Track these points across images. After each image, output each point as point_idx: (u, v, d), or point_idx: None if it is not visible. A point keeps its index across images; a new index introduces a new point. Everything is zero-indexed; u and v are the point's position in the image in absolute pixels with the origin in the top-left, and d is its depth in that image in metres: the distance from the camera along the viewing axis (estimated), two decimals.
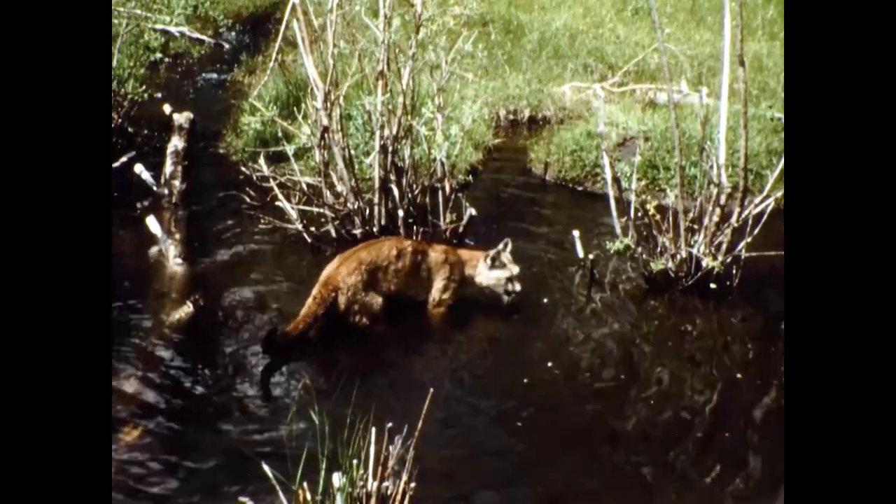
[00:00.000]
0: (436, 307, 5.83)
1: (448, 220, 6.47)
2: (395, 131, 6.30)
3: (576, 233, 6.42)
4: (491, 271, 5.80)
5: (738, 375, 5.30)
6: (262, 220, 6.54)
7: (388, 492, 3.66)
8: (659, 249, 6.06)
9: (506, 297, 5.85)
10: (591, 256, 6.25)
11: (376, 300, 5.60)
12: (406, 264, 5.71)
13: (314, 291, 5.52)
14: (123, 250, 6.28)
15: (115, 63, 7.67)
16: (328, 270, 5.62)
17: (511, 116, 9.02)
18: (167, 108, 7.98)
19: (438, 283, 5.82)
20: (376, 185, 6.38)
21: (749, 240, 5.93)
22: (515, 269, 5.80)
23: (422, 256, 5.79)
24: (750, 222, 5.93)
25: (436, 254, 5.83)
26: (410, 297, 5.80)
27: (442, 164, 6.50)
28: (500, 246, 5.81)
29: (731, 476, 4.54)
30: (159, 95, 8.64)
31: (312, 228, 6.52)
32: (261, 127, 7.24)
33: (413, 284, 5.77)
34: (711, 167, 5.95)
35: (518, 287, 5.81)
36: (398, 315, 5.78)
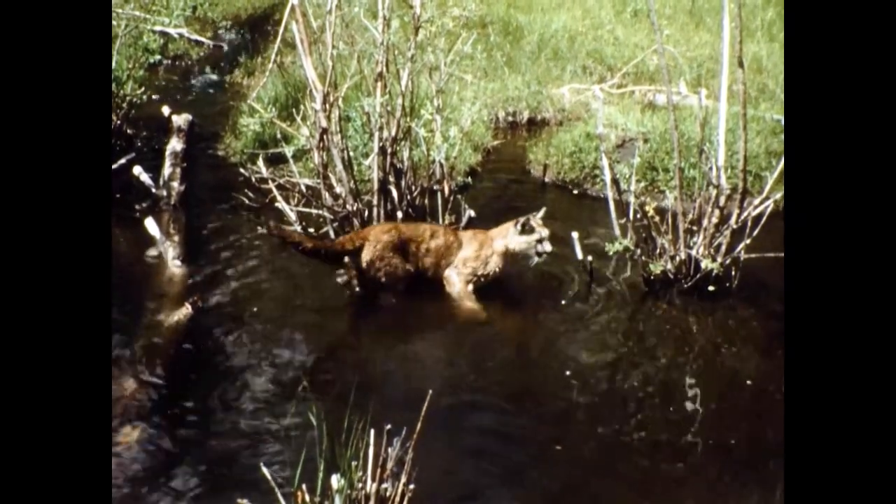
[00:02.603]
0: (453, 278, 5.98)
1: (447, 221, 6.47)
2: (393, 133, 6.30)
3: (575, 234, 6.41)
4: (521, 236, 5.91)
5: (749, 382, 5.28)
6: (261, 222, 6.54)
7: (387, 493, 3.66)
8: (658, 251, 6.06)
9: (536, 259, 5.98)
10: (590, 258, 6.25)
11: (402, 265, 5.83)
12: (439, 245, 5.93)
13: (347, 237, 5.93)
14: (122, 251, 6.28)
15: (114, 65, 7.67)
16: (365, 229, 6.01)
17: (510, 118, 9.02)
18: (166, 110, 7.99)
19: (465, 252, 5.98)
20: (375, 186, 6.38)
21: (748, 241, 5.93)
22: (545, 232, 5.92)
23: (454, 237, 6.02)
24: (749, 224, 5.93)
25: (467, 233, 6.12)
26: (438, 278, 6.00)
27: (441, 165, 6.50)
28: (532, 214, 5.97)
29: (733, 478, 4.54)
30: (158, 97, 8.64)
31: (311, 230, 6.51)
32: (259, 128, 7.24)
33: (444, 266, 5.98)
34: (710, 169, 5.95)
35: (549, 248, 5.92)
36: (399, 317, 5.79)
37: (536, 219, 5.95)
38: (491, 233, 6.05)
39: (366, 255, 5.78)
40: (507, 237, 5.95)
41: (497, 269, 5.99)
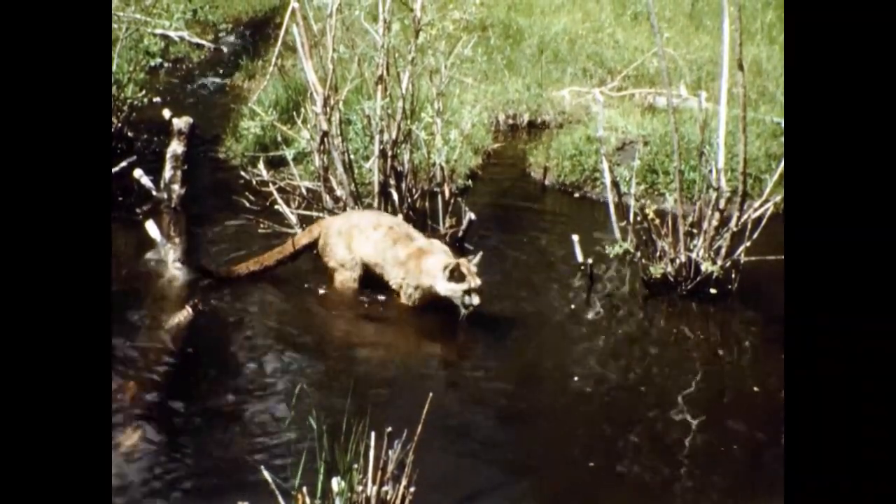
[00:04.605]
0: (402, 301, 5.87)
1: (448, 224, 6.47)
2: (394, 136, 6.30)
3: (575, 237, 6.41)
4: (449, 283, 5.52)
5: (749, 384, 5.28)
6: (262, 225, 6.54)
7: (388, 496, 3.66)
8: (658, 254, 6.06)
9: (463, 310, 5.52)
10: (590, 261, 6.25)
11: (346, 252, 5.89)
12: (377, 239, 5.83)
13: (305, 231, 6.15)
14: (123, 254, 6.28)
15: (114, 68, 7.67)
16: (326, 218, 6.22)
17: (510, 121, 9.02)
18: (167, 113, 7.99)
19: (395, 280, 5.83)
20: (376, 189, 6.39)
21: (748, 244, 5.93)
22: (476, 282, 5.48)
23: (395, 242, 5.79)
24: (749, 226, 5.93)
25: (404, 250, 5.75)
26: (378, 276, 5.91)
27: (441, 168, 6.50)
28: (470, 258, 5.61)
29: (734, 481, 4.53)
30: (159, 100, 8.64)
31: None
32: (260, 131, 7.22)
33: (378, 265, 5.86)
34: (710, 171, 5.95)
35: (477, 301, 5.47)
36: (399, 319, 5.79)
37: (470, 266, 5.52)
38: (425, 262, 5.65)
39: (321, 241, 5.99)
40: (436, 279, 5.57)
41: (415, 301, 5.78)
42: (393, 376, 5.30)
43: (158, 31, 9.56)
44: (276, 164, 7.17)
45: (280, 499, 3.72)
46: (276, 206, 6.54)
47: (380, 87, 6.22)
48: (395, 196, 6.42)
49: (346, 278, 5.94)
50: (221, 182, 7.50)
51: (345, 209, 6.42)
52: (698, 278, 6.00)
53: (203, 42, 10.80)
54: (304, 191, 6.65)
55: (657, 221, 5.97)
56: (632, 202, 6.20)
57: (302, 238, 6.06)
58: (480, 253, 5.73)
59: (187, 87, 9.91)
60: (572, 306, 6.03)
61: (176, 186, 7.04)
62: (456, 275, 5.48)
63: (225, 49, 10.83)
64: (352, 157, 6.59)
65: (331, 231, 5.97)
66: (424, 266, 5.65)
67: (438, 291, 5.58)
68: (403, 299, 5.83)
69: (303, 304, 5.93)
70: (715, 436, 4.82)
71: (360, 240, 5.87)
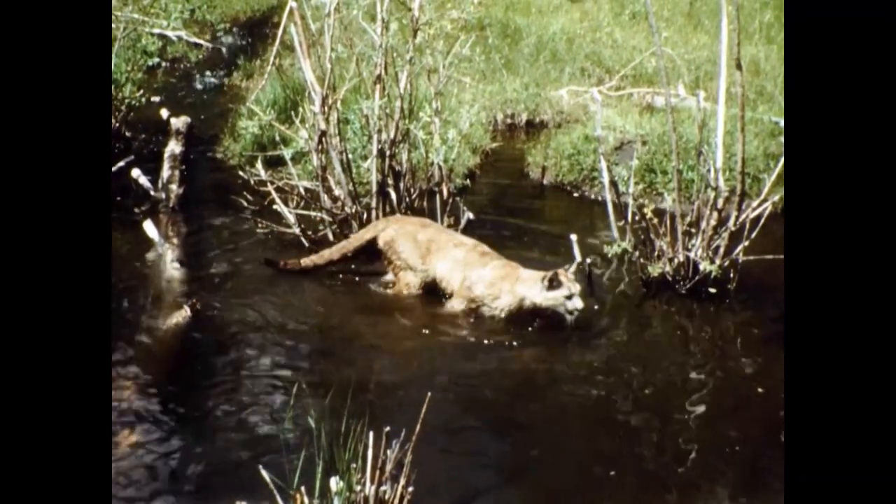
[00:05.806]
0: (454, 300, 5.86)
1: (446, 223, 6.47)
2: (392, 135, 6.30)
3: (573, 236, 6.41)
4: (548, 292, 5.58)
5: (748, 384, 5.27)
6: (260, 225, 6.54)
7: (386, 496, 3.66)
8: (656, 253, 6.07)
9: (568, 317, 5.59)
10: (588, 260, 6.25)
11: (417, 261, 5.88)
12: (458, 257, 5.81)
13: (370, 226, 6.14)
14: (121, 254, 6.28)
15: (112, 67, 7.66)
16: (394, 216, 6.25)
17: (508, 120, 9.03)
18: (165, 113, 7.99)
19: (479, 274, 5.75)
20: (374, 189, 6.38)
21: (746, 244, 5.93)
22: (576, 287, 5.57)
23: (488, 259, 5.80)
24: (747, 226, 5.93)
25: (498, 261, 5.81)
26: (441, 288, 5.92)
27: (439, 168, 6.50)
28: (566, 267, 5.67)
29: (734, 482, 4.53)
30: (157, 99, 8.64)
31: (310, 232, 6.52)
32: (258, 131, 7.23)
33: (445, 279, 5.85)
34: (709, 171, 5.95)
35: (580, 304, 5.54)
36: (400, 319, 5.79)
37: (567, 273, 5.61)
38: (521, 273, 5.73)
39: (384, 236, 5.96)
40: (535, 291, 5.61)
41: (503, 314, 5.73)
42: (392, 375, 5.29)
43: (156, 30, 9.55)
44: (274, 163, 7.17)
45: (278, 498, 3.72)
46: (275, 206, 6.54)
47: (378, 86, 6.22)
48: (394, 196, 6.42)
49: (412, 282, 5.92)
50: (219, 182, 7.50)
51: (343, 209, 6.41)
52: (697, 278, 6.00)
53: (201, 41, 10.81)
54: (302, 190, 6.65)
55: (655, 221, 5.97)
56: (630, 202, 6.21)
57: (366, 233, 6.06)
58: (576, 261, 5.84)
59: (185, 86, 9.91)
60: None
61: (174, 186, 7.05)
62: (555, 283, 5.55)
63: (223, 49, 10.84)
64: (350, 156, 6.58)
65: (402, 232, 5.92)
66: (521, 278, 5.69)
67: (539, 303, 5.62)
68: (453, 306, 5.82)
69: (301, 304, 5.92)
70: (715, 436, 4.82)
71: (438, 255, 5.86)
